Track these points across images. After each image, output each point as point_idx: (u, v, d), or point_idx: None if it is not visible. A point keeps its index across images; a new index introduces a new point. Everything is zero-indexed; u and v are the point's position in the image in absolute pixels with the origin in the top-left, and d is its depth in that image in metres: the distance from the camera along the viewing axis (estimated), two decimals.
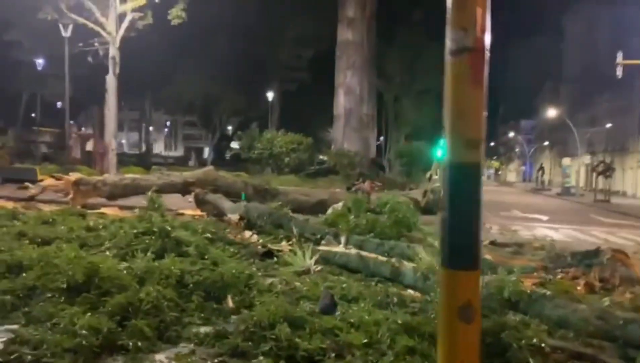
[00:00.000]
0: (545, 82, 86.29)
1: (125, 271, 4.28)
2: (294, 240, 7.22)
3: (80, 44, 15.15)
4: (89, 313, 3.34)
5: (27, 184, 10.86)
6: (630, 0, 79.02)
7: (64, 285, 4.01)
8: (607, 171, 30.32)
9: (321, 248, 6.41)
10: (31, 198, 10.42)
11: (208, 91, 35.54)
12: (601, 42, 77.33)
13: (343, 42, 20.18)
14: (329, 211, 11.07)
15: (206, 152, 72.36)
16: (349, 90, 19.88)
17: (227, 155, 57.50)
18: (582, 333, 3.61)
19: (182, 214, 10.83)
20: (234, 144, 72.52)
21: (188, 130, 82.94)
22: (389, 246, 6.38)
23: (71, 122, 28.79)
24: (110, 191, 10.69)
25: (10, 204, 9.49)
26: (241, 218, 8.36)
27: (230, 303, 4.15)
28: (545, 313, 3.95)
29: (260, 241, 7.31)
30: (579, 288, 5.13)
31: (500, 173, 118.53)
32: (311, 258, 5.96)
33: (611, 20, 74.57)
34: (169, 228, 5.99)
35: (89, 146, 32.68)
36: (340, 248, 6.43)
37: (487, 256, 5.68)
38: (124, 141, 71.48)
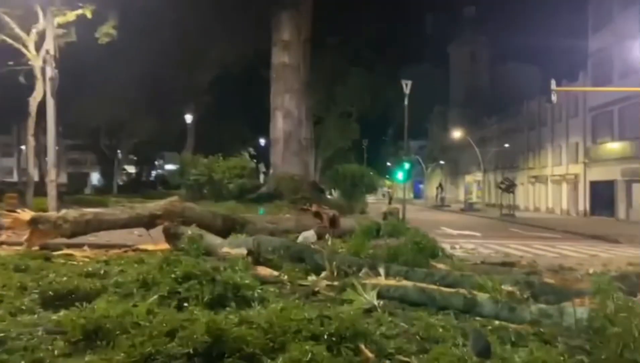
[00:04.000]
0: (434, 106, 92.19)
1: (243, 327, 3.75)
2: (325, 273, 6.87)
3: (11, 63, 13.39)
4: None
5: None
6: (505, 35, 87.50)
7: (189, 350, 3.40)
8: (511, 187, 32.96)
9: (373, 281, 6.13)
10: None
11: (116, 115, 33.33)
12: (481, 71, 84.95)
13: (279, 65, 19.99)
14: (300, 238, 10.76)
15: (93, 178, 67.56)
16: (288, 113, 19.68)
17: (119, 180, 53.98)
18: None
19: (145, 250, 9.95)
20: (130, 168, 68.40)
21: (72, 154, 77.21)
22: (439, 276, 6.26)
23: None
24: (71, 228, 9.47)
25: None
26: (249, 253, 7.79)
27: (368, 353, 3.78)
28: None
29: (285, 277, 6.85)
30: None
31: (390, 190, 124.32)
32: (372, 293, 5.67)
33: (490, 51, 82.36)
34: (210, 270, 5.44)
35: None
36: (390, 281, 6.20)
37: (550, 281, 5.77)
38: None
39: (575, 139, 36.77)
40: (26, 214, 9.33)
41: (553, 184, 40.91)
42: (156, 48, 30.23)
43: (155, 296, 4.98)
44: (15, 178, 53.70)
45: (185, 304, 4.58)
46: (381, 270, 6.61)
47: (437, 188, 57.02)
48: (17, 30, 13.98)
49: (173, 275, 5.34)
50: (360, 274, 6.62)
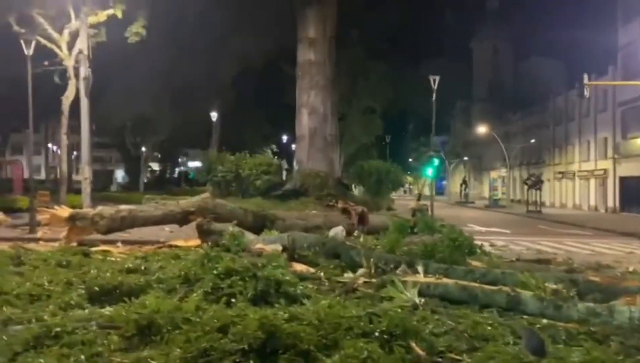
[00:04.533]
0: (456, 101, 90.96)
1: (294, 324, 3.76)
2: (362, 270, 6.86)
3: (46, 63, 13.67)
4: None
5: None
6: (528, 29, 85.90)
7: (244, 346, 3.43)
8: (537, 183, 32.48)
9: (412, 279, 6.09)
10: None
11: (142, 113, 33.74)
12: (505, 65, 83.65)
13: (305, 62, 19.98)
14: (330, 234, 10.76)
15: (118, 175, 68.65)
16: (313, 110, 19.67)
17: (144, 178, 54.67)
18: None
19: (177, 246, 10.07)
20: (154, 166, 69.28)
21: (97, 152, 78.26)
22: (479, 274, 6.19)
23: None
24: (107, 225, 9.63)
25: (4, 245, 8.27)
26: (284, 249, 7.81)
27: (419, 351, 3.75)
28: None
29: (322, 273, 6.86)
30: None
31: (411, 186, 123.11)
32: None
33: (514, 46, 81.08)
34: (251, 266, 5.47)
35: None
36: (429, 278, 6.15)
37: (595, 279, 5.67)
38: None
39: (604, 134, 36.02)
40: (64, 211, 9.53)
41: (580, 180, 40.16)
42: (180, 45, 30.51)
43: (200, 292, 5.04)
44: (42, 175, 54.82)
45: (233, 300, 4.60)
46: (419, 268, 6.56)
47: (460, 184, 56.44)
48: (50, 30, 14.22)
49: (215, 271, 5.39)
50: (397, 271, 6.59)
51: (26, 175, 30.89)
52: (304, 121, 19.92)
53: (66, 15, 15.23)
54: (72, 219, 9.23)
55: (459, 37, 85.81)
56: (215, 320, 3.84)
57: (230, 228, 6.71)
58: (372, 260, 6.70)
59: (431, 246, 7.46)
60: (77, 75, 13.52)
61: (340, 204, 17.02)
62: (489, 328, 4.32)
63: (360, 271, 6.94)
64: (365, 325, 3.82)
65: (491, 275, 6.13)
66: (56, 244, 9.90)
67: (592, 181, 38.10)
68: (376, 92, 32.07)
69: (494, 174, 43.30)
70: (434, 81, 17.96)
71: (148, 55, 30.22)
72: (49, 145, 62.91)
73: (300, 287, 5.22)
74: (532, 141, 44.67)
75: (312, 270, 7.08)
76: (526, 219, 28.36)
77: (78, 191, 30.76)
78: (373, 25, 31.64)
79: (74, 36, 15.04)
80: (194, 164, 72.87)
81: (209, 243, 7.85)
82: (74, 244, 9.26)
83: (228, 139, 38.46)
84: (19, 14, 14.16)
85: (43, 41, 14.11)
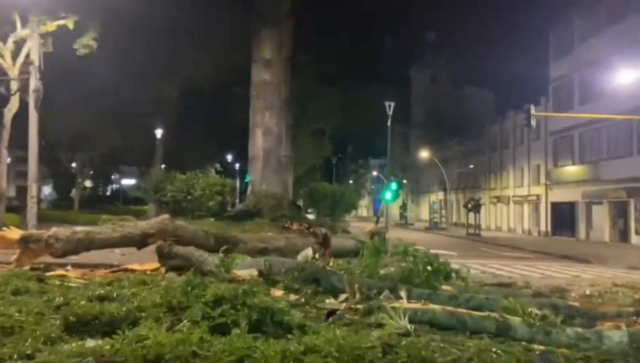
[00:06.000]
0: (395, 125, 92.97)
1: (312, 356, 3.64)
2: (344, 296, 6.79)
3: None
4: None
5: None
6: (463, 60, 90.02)
7: None
8: (477, 207, 33.81)
9: (398, 305, 6.08)
10: None
11: (79, 128, 32.23)
12: (442, 93, 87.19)
13: (260, 83, 19.95)
14: (299, 257, 10.62)
15: (45, 191, 64.97)
16: (268, 130, 19.59)
17: (73, 194, 51.96)
18: None
19: (133, 270, 9.67)
20: (86, 183, 66.30)
21: (21, 167, 74.11)
22: (463, 299, 6.28)
23: None
24: (63, 248, 9.04)
25: None
26: (260, 274, 7.61)
27: None
28: None
29: (303, 300, 6.74)
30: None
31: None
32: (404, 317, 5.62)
33: (449, 75, 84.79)
34: (240, 294, 5.28)
35: None
36: (415, 304, 6.17)
37: (574, 304, 5.89)
38: None
39: (536, 161, 38.14)
40: (14, 233, 8.85)
41: (515, 204, 42.18)
42: (126, 61, 29.51)
43: (189, 322, 4.79)
44: None
45: (238, 330, 4.39)
46: (402, 293, 6.57)
47: (400, 207, 57.72)
48: None
49: (202, 300, 5.16)
50: (381, 297, 6.57)
51: None
52: (258, 142, 19.78)
53: (10, 23, 14.36)
54: (24, 241, 8.58)
55: (398, 64, 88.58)
56: (227, 354, 3.65)
57: (220, 253, 6.42)
58: (356, 285, 6.65)
59: (408, 270, 7.52)
60: (24, 87, 12.73)
61: (295, 226, 16.87)
62: (494, 356, 4.36)
63: (342, 297, 6.87)
64: (382, 357, 3.76)
65: (476, 301, 6.23)
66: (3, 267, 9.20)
67: (526, 206, 40.12)
68: (326, 115, 32.54)
69: (433, 197, 44.66)
70: (390, 106, 18.49)
71: (92, 69, 28.99)
72: None
73: (298, 316, 5.07)
74: (471, 166, 46.56)
75: (292, 296, 6.94)
76: (467, 241, 29.34)
77: (9, 210, 28.77)
78: (323, 50, 32.13)
79: (19, 45, 14.20)
80: (128, 182, 70.25)
81: (185, 269, 7.53)
82: (26, 268, 8.61)
83: (169, 157, 37.46)
84: None
85: None
